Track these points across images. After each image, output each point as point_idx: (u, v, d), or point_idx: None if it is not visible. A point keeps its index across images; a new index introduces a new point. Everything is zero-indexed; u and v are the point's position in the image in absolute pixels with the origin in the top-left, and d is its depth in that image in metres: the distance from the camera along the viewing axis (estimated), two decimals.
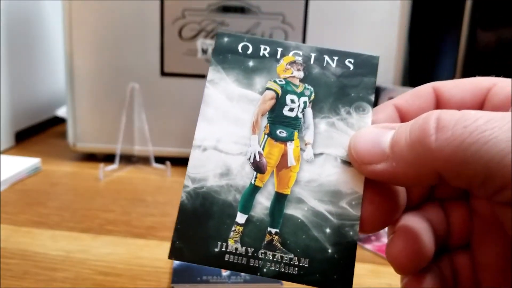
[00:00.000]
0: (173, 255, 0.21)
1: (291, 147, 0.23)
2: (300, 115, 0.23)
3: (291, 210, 0.22)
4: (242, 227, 0.22)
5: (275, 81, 0.23)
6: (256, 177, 0.22)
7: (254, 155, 0.23)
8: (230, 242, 0.21)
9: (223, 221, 0.22)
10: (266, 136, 0.23)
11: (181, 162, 0.72)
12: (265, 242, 0.22)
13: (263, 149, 0.23)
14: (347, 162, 0.22)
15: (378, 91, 0.67)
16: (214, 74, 0.23)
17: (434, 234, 0.23)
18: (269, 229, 0.22)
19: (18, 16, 0.80)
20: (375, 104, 0.23)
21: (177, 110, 0.72)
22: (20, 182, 0.65)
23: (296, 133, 0.23)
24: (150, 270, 0.44)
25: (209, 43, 0.69)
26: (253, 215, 0.22)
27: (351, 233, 0.21)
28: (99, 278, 0.43)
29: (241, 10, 0.68)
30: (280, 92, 0.23)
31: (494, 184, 0.17)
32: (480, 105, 0.22)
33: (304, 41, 0.69)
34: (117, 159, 0.69)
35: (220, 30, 0.24)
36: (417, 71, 0.86)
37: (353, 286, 0.44)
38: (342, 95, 0.23)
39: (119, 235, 0.51)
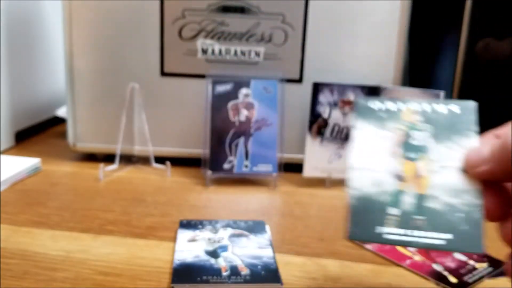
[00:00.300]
0: (350, 236, 0.32)
1: (420, 164, 0.33)
2: (424, 143, 0.34)
3: (431, 204, 0.32)
4: (396, 217, 0.32)
5: (403, 123, 0.35)
6: (399, 184, 0.33)
7: (396, 170, 0.34)
8: (388, 227, 0.32)
9: (381, 213, 0.32)
10: (403, 158, 0.34)
11: (181, 162, 0.72)
12: (414, 225, 0.32)
13: (402, 166, 0.34)
14: (464, 170, 0.32)
15: (378, 91, 0.67)
16: (359, 123, 0.35)
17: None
18: (414, 216, 0.32)
19: (18, 16, 0.80)
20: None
21: (177, 110, 0.72)
22: (20, 182, 0.65)
23: (423, 155, 0.33)
24: (150, 270, 0.44)
25: (209, 43, 0.69)
26: (402, 208, 0.32)
27: (477, 215, 0.31)
28: (99, 278, 0.43)
29: (241, 10, 0.68)
30: (408, 130, 0.34)
31: None
32: None
33: (304, 41, 0.69)
34: (117, 159, 0.69)
35: (359, 99, 0.37)
36: (417, 71, 0.86)
37: (353, 286, 0.44)
38: (453, 128, 0.34)
39: (119, 235, 0.51)
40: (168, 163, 0.70)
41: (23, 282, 0.42)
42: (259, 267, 0.43)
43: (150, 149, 0.71)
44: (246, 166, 0.67)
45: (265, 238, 0.49)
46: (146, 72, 0.71)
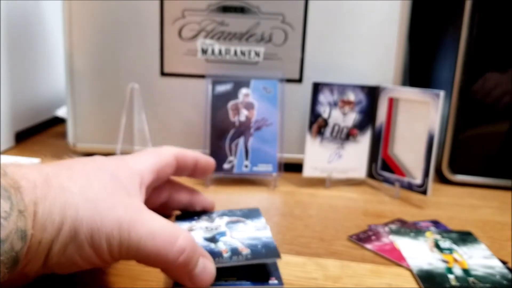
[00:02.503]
0: None
1: (455, 254, 0.48)
2: (450, 246, 0.50)
3: (474, 273, 0.45)
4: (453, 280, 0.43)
5: (429, 239, 0.51)
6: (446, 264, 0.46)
7: (439, 258, 0.48)
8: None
9: (442, 277, 0.44)
10: (441, 252, 0.48)
11: None
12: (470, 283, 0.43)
13: (442, 256, 0.48)
14: None
15: (378, 91, 0.67)
16: (396, 239, 0.52)
17: None
18: (468, 278, 0.44)
19: (18, 16, 0.80)
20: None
21: (177, 110, 0.72)
22: None
23: (453, 250, 0.48)
24: (150, 270, 0.44)
25: (209, 43, 0.69)
26: (455, 275, 0.44)
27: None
28: (99, 278, 0.43)
29: (241, 10, 0.68)
30: (435, 241, 0.51)
31: None
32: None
33: (304, 41, 0.69)
34: None
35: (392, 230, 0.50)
36: (417, 71, 0.86)
37: (353, 286, 0.44)
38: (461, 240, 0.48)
39: None
40: None
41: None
42: (259, 246, 0.43)
43: None
44: (246, 166, 0.67)
45: (261, 222, 0.49)
46: (146, 72, 0.71)
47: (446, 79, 0.72)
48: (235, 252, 0.42)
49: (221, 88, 0.67)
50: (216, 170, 0.67)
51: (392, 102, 0.66)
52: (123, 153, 0.70)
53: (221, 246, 0.43)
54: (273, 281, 0.42)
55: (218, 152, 0.67)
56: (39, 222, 0.31)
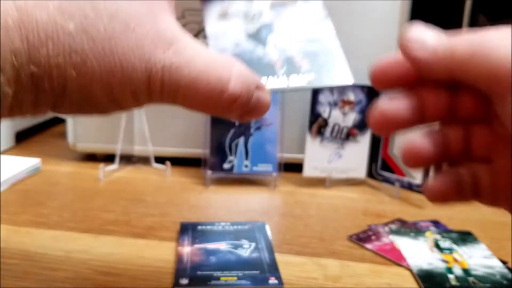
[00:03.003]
0: None
1: (455, 254, 0.48)
2: (450, 246, 0.49)
3: (474, 272, 0.43)
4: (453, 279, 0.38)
5: (430, 238, 0.45)
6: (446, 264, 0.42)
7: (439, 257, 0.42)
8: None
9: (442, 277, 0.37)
10: (441, 252, 0.47)
11: (181, 162, 0.72)
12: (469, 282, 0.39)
13: (442, 256, 0.45)
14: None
15: (378, 91, 0.67)
16: (396, 239, 0.46)
17: (445, 144, 0.27)
18: (468, 278, 0.43)
19: None
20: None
21: (177, 110, 0.71)
22: (20, 182, 0.65)
23: (453, 250, 0.47)
24: (150, 270, 0.44)
25: None
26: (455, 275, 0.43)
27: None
28: (99, 278, 0.43)
29: None
30: (435, 241, 0.48)
31: (504, 81, 0.23)
32: None
33: None
34: (117, 159, 0.69)
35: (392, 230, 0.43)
36: None
37: (353, 286, 0.44)
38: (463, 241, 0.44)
39: (119, 235, 0.51)
40: (168, 163, 0.70)
41: (23, 282, 0.42)
42: (321, 56, 0.31)
43: (150, 149, 0.71)
44: (246, 166, 0.67)
45: (317, 5, 0.36)
46: None
47: None
48: (291, 65, 0.30)
49: None
50: (216, 170, 0.67)
51: None
52: (123, 153, 0.70)
53: (272, 52, 0.31)
54: (273, 281, 0.42)
55: (218, 152, 0.67)
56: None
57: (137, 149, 0.73)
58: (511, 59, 0.22)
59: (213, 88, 0.26)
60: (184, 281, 0.42)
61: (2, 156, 0.70)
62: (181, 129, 0.72)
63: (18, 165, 0.67)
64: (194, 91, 0.26)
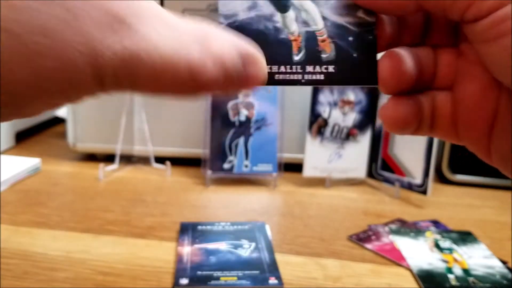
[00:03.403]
0: None
1: (455, 254, 0.41)
2: (450, 246, 0.42)
3: (474, 272, 0.36)
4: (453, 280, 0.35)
5: (429, 238, 0.44)
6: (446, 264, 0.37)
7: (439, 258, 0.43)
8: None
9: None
10: (441, 252, 0.40)
11: (181, 162, 0.72)
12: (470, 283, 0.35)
13: (442, 256, 0.39)
14: None
15: (378, 91, 0.67)
16: (397, 239, 0.41)
17: (419, 67, 0.25)
18: (468, 278, 0.38)
19: None
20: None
21: (177, 110, 0.72)
22: (20, 182, 0.65)
23: (453, 250, 0.43)
24: (150, 270, 0.44)
25: None
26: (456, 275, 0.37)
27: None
28: (99, 278, 0.43)
29: None
30: (435, 241, 0.45)
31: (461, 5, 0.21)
32: None
33: None
34: (117, 159, 0.69)
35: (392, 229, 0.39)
36: None
37: (353, 285, 0.44)
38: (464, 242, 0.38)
39: (119, 235, 0.51)
40: (168, 163, 0.70)
41: (23, 282, 0.42)
42: (350, 39, 0.25)
43: (150, 149, 0.71)
44: (246, 166, 0.67)
45: None
46: None
47: None
48: (311, 47, 0.25)
49: None
50: (216, 170, 0.67)
51: None
52: (123, 153, 0.70)
53: (291, 21, 0.25)
54: (273, 281, 0.42)
55: (218, 152, 0.67)
56: None
57: (137, 149, 0.73)
58: None
59: (182, 77, 0.20)
60: (184, 281, 0.42)
61: (2, 156, 0.70)
62: (181, 129, 0.72)
63: (18, 165, 0.67)
64: (158, 82, 0.20)
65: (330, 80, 0.24)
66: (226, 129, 0.67)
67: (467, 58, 0.25)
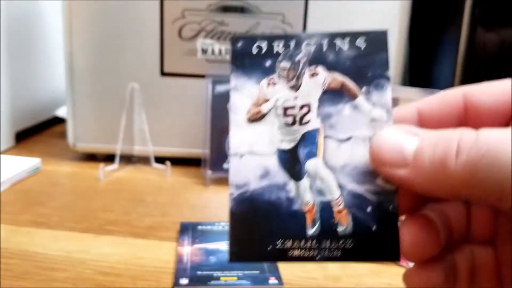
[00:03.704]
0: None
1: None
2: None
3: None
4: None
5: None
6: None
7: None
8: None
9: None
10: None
11: (181, 162, 0.72)
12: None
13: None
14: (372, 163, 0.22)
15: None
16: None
17: (449, 226, 0.23)
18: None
19: (18, 16, 0.80)
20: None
21: (177, 110, 0.72)
22: (20, 182, 0.65)
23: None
24: (150, 270, 0.44)
25: (209, 43, 0.69)
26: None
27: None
28: (99, 278, 0.43)
29: (241, 10, 0.68)
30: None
31: (508, 201, 0.18)
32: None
33: None
34: (117, 159, 0.69)
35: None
36: (417, 70, 0.86)
37: (353, 285, 0.44)
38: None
39: (119, 235, 0.51)
40: (168, 163, 0.70)
41: (23, 282, 0.42)
42: (368, 210, 0.23)
43: (150, 149, 0.71)
44: None
45: (386, 99, 0.23)
46: (146, 72, 0.71)
47: (446, 79, 0.72)
48: (326, 219, 0.23)
49: (221, 88, 0.67)
50: (216, 170, 0.67)
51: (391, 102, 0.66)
52: (123, 153, 0.70)
53: (305, 195, 0.23)
54: (273, 281, 0.42)
55: (218, 152, 0.67)
56: None
57: (137, 149, 0.73)
58: None
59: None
60: (184, 281, 0.42)
61: (2, 156, 0.70)
62: (181, 129, 0.72)
63: (18, 165, 0.67)
64: None
65: (348, 257, 0.23)
66: (226, 129, 0.67)
67: (506, 216, 0.23)
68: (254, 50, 0.24)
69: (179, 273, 0.43)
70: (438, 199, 0.24)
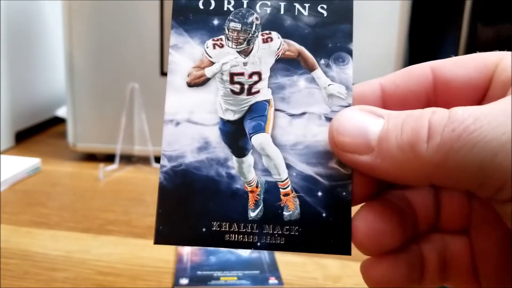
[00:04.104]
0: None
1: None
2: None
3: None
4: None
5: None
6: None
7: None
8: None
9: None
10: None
11: None
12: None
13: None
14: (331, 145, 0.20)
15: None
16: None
17: (412, 215, 0.21)
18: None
19: (18, 16, 0.80)
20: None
21: None
22: (20, 182, 0.65)
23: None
24: (150, 270, 0.44)
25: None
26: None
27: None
28: (99, 278, 0.43)
29: None
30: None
31: (491, 186, 0.16)
32: (487, 83, 0.20)
33: None
34: (117, 159, 0.69)
35: None
36: None
37: (353, 286, 0.44)
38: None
39: (119, 235, 0.51)
40: None
41: (23, 282, 0.42)
42: (319, 193, 0.20)
43: (150, 149, 0.71)
44: None
45: (347, 74, 0.22)
46: (146, 72, 0.71)
47: None
48: (270, 201, 0.20)
49: None
50: None
51: None
52: (123, 153, 0.70)
53: (249, 173, 0.21)
54: (273, 281, 0.42)
55: None
56: None
57: (137, 149, 0.73)
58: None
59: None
60: (184, 281, 0.42)
61: (2, 156, 0.70)
62: None
63: (18, 165, 0.67)
64: None
65: (292, 246, 0.20)
66: None
67: (480, 203, 0.21)
68: (201, 5, 0.21)
69: (179, 273, 0.43)
70: (402, 185, 0.21)
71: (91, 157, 0.75)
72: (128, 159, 0.72)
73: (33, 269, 0.44)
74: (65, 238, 0.50)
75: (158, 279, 0.43)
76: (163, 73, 0.71)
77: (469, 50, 0.68)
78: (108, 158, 0.71)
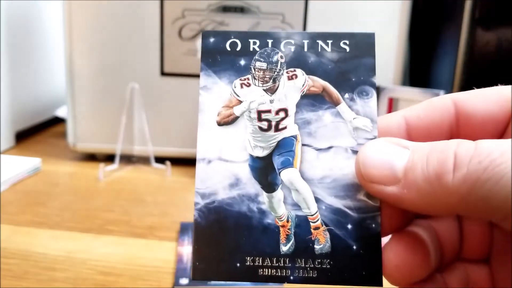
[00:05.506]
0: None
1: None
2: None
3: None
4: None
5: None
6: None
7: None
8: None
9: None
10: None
11: (181, 162, 0.72)
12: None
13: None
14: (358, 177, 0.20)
15: (378, 91, 0.67)
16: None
17: (439, 245, 0.21)
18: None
19: (18, 17, 0.80)
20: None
21: (177, 110, 0.72)
22: (20, 182, 0.65)
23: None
24: (150, 270, 0.44)
25: None
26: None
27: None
28: (99, 278, 0.43)
29: (241, 10, 0.68)
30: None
31: None
32: (508, 118, 0.20)
33: None
34: (117, 159, 0.69)
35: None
36: (417, 71, 0.86)
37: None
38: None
39: (119, 235, 0.51)
40: (168, 163, 0.70)
41: (23, 282, 0.42)
42: (349, 227, 0.21)
43: (150, 149, 0.71)
44: None
45: (370, 104, 0.22)
46: (146, 72, 0.71)
47: (446, 79, 0.72)
48: (301, 235, 0.21)
49: None
50: None
51: (392, 102, 0.66)
52: (123, 153, 0.70)
53: (279, 208, 0.21)
54: None
55: None
56: None
57: (137, 149, 0.73)
58: None
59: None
60: (184, 281, 0.42)
61: (2, 156, 0.70)
62: (181, 129, 0.72)
63: (18, 165, 0.67)
64: None
65: (325, 279, 0.20)
66: None
67: (503, 232, 0.21)
68: (228, 47, 0.22)
69: (179, 273, 0.43)
70: (428, 215, 0.22)
71: (91, 157, 0.75)
72: (128, 159, 0.72)
73: (33, 269, 0.44)
74: (65, 238, 0.50)
75: (158, 279, 0.43)
76: (163, 73, 0.71)
77: (469, 49, 0.68)
78: (108, 158, 0.71)
